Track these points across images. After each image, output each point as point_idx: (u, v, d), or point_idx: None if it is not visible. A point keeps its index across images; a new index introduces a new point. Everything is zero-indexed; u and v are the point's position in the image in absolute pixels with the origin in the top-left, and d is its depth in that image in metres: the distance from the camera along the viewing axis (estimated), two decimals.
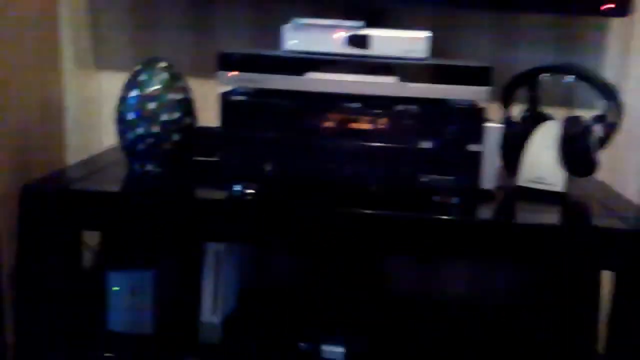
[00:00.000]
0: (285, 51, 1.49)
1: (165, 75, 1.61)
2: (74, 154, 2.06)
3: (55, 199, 1.51)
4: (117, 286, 1.73)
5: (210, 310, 1.72)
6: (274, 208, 1.45)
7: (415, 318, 1.87)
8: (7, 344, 1.79)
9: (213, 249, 1.69)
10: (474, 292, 2.04)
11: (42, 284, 1.62)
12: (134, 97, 1.59)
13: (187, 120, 1.66)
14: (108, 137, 2.01)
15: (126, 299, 1.74)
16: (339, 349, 1.66)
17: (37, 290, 1.63)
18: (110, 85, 2.03)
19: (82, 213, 1.54)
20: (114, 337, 1.74)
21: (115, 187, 1.62)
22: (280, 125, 1.42)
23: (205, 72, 1.90)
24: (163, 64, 1.63)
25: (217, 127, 1.49)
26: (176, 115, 1.62)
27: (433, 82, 1.41)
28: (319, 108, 1.41)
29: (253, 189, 1.46)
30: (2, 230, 1.71)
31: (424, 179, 1.39)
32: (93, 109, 2.08)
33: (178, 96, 1.62)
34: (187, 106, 1.65)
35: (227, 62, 1.43)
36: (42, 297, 1.64)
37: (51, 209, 1.51)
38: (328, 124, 1.41)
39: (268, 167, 1.44)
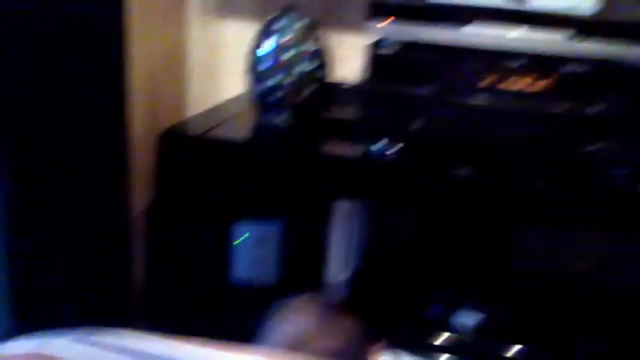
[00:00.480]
0: (440, 2, 1.38)
1: (301, 24, 1.54)
2: (196, 103, 2.04)
3: (191, 146, 1.49)
4: (242, 237, 1.71)
5: (336, 269, 1.68)
6: (415, 169, 1.37)
7: (544, 293, 1.76)
8: (134, 289, 1.84)
9: (342, 207, 1.64)
10: (609, 269, 1.91)
11: (173, 228, 1.63)
12: (268, 46, 1.54)
13: (322, 72, 1.59)
14: (229, 88, 1.98)
15: (251, 250, 1.72)
16: (470, 319, 1.59)
17: (167, 234, 1.64)
18: (233, 35, 1.98)
19: (215, 161, 1.52)
20: (237, 288, 1.73)
21: (246, 138, 1.59)
22: (432, 81, 1.32)
23: (337, 22, 1.81)
24: (299, 13, 1.55)
25: (349, 82, 1.42)
26: (311, 66, 1.55)
27: (605, 40, 1.27)
28: (475, 64, 1.30)
29: (396, 148, 1.38)
30: (134, 174, 1.72)
31: (591, 147, 1.28)
32: (216, 59, 2.04)
33: (313, 47, 1.55)
34: (321, 57, 1.58)
35: (378, 11, 1.33)
36: (171, 242, 1.66)
37: (187, 156, 1.50)
38: (485, 83, 1.31)
39: (414, 126, 1.36)
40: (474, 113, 1.31)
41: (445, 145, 1.36)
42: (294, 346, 0.98)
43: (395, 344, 1.58)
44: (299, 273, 1.72)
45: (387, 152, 1.37)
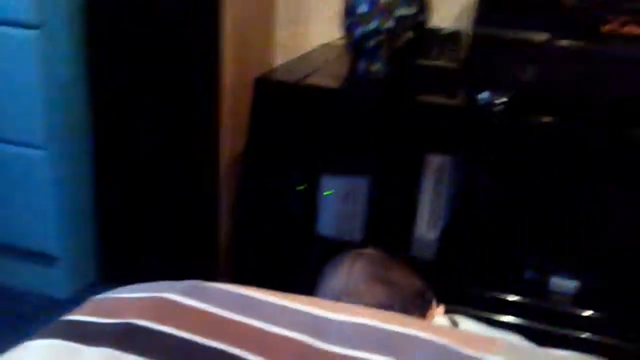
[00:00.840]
0: None
1: None
2: (284, 50, 1.98)
3: (286, 93, 1.45)
4: (329, 190, 1.67)
5: (426, 225, 1.62)
6: (524, 121, 1.28)
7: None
8: (221, 239, 1.83)
9: (435, 161, 1.56)
10: None
11: (263, 175, 1.60)
12: None
13: (421, 16, 1.50)
14: (318, 35, 1.91)
15: (338, 204, 1.68)
16: (571, 283, 1.50)
17: (257, 181, 1.61)
18: None
19: (308, 109, 1.47)
20: (322, 241, 1.70)
21: (341, 86, 1.53)
22: (549, 25, 1.22)
23: None
24: None
25: (451, 27, 1.33)
26: (411, 10, 1.47)
27: None
28: (603, 7, 1.19)
29: (504, 98, 1.29)
30: (225, 121, 1.70)
31: None
32: (305, 4, 1.97)
33: None
34: (421, 1, 1.50)
35: None
36: (261, 189, 1.63)
37: (281, 103, 1.45)
38: (607, 28, 1.19)
39: (526, 75, 1.26)
40: (593, 60, 1.21)
41: (559, 96, 1.26)
42: (342, 298, 0.95)
43: (481, 305, 1.51)
44: (386, 230, 1.67)
45: (495, 102, 1.28)
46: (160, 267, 1.89)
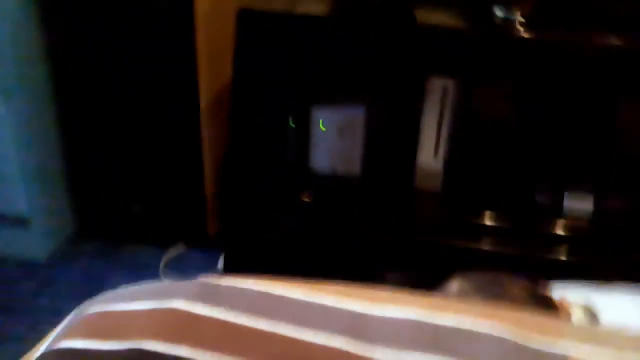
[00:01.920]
0: None
1: None
2: None
3: (271, 22, 1.29)
4: (323, 123, 1.54)
5: (430, 154, 1.51)
6: (543, 40, 1.15)
7: None
8: (206, 183, 1.70)
9: (438, 85, 1.43)
10: None
11: (251, 110, 1.47)
12: None
13: None
14: None
15: (333, 138, 1.55)
16: (587, 204, 1.42)
17: (247, 117, 1.48)
18: None
19: (299, 37, 1.32)
20: (318, 178, 1.58)
21: (328, 10, 1.37)
22: None
23: None
24: None
25: None
26: None
27: None
28: None
29: (522, 15, 1.15)
30: (203, 55, 1.53)
31: None
32: None
33: None
34: None
35: None
36: (250, 126, 1.50)
37: (267, 33, 1.30)
38: None
39: None
40: None
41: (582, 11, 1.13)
42: None
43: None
44: (387, 162, 1.56)
45: (510, 19, 1.14)
46: (141, 216, 1.77)
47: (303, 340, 0.55)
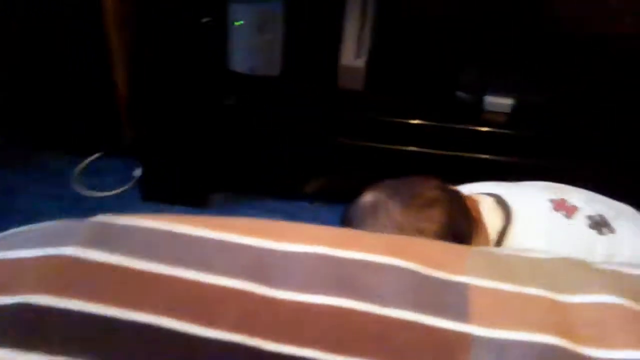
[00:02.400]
0: None
1: None
2: None
3: None
4: (240, 20, 1.45)
5: (352, 52, 1.45)
6: None
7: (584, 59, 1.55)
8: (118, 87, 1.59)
9: None
10: None
11: (162, 6, 1.36)
12: None
13: None
14: None
15: (251, 35, 1.47)
16: (507, 100, 1.42)
17: (156, 14, 1.38)
18: None
19: None
20: (236, 79, 1.51)
21: None
22: None
23: None
24: None
25: None
26: None
27: None
28: None
29: None
30: None
31: None
32: None
33: None
34: None
35: None
36: (160, 23, 1.40)
37: None
38: None
39: None
40: None
41: None
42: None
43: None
44: (308, 60, 1.50)
45: None
46: (55, 129, 1.67)
47: (205, 283, 0.52)
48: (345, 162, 1.45)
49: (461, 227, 0.87)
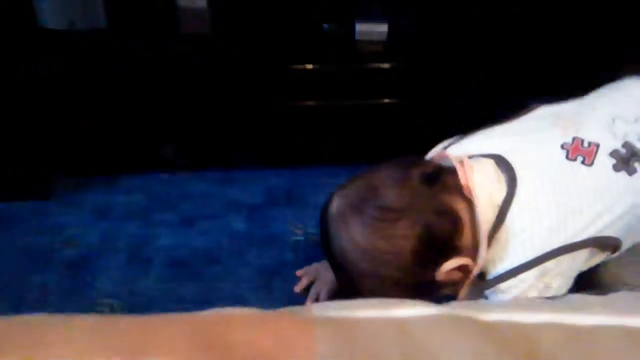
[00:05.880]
0: None
1: None
2: None
3: None
4: None
5: None
6: None
7: None
8: None
9: None
10: None
11: None
12: None
13: None
14: None
15: None
16: (381, 28, 1.22)
17: None
18: None
19: None
20: (49, 36, 1.21)
21: None
22: None
23: None
24: None
25: None
26: None
27: None
28: None
29: None
30: None
31: None
32: None
33: None
34: None
35: None
36: None
37: None
38: None
39: None
40: None
41: None
42: None
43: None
44: (140, 3, 1.22)
45: None
46: None
47: None
48: (197, 119, 1.22)
49: (443, 227, 0.75)
